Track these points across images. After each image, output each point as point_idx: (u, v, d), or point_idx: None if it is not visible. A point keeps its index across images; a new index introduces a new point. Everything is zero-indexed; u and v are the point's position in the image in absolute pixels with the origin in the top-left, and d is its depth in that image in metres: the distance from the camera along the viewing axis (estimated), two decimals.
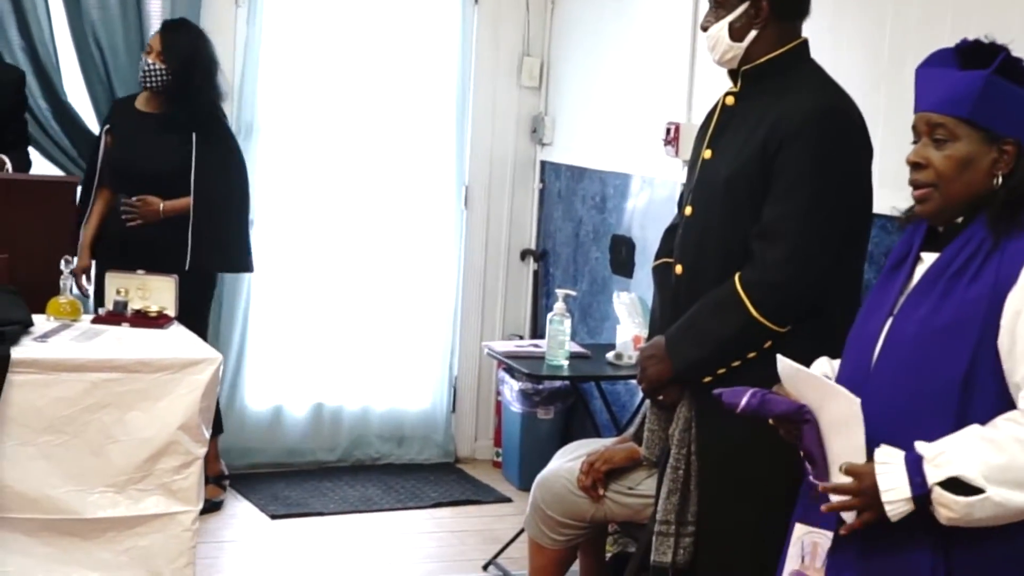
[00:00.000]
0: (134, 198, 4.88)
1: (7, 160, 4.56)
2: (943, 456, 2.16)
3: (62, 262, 3.86)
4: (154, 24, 5.31)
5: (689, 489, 3.14)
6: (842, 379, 2.40)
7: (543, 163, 6.10)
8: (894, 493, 2.18)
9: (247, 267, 5.25)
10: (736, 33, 3.08)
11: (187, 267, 4.79)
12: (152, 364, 3.53)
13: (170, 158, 4.91)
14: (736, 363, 3.02)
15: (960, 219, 2.32)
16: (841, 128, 3.02)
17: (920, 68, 2.38)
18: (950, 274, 2.28)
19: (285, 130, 5.74)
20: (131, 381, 3.48)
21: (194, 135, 4.92)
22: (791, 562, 2.49)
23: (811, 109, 3.00)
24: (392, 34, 5.85)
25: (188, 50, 4.92)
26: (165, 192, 4.89)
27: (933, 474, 2.15)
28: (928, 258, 2.35)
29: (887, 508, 2.19)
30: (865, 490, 2.21)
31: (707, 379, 3.03)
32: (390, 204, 5.93)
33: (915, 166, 2.33)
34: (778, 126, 2.99)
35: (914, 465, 2.17)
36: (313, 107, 5.78)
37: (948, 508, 2.15)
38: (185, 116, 4.92)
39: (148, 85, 4.92)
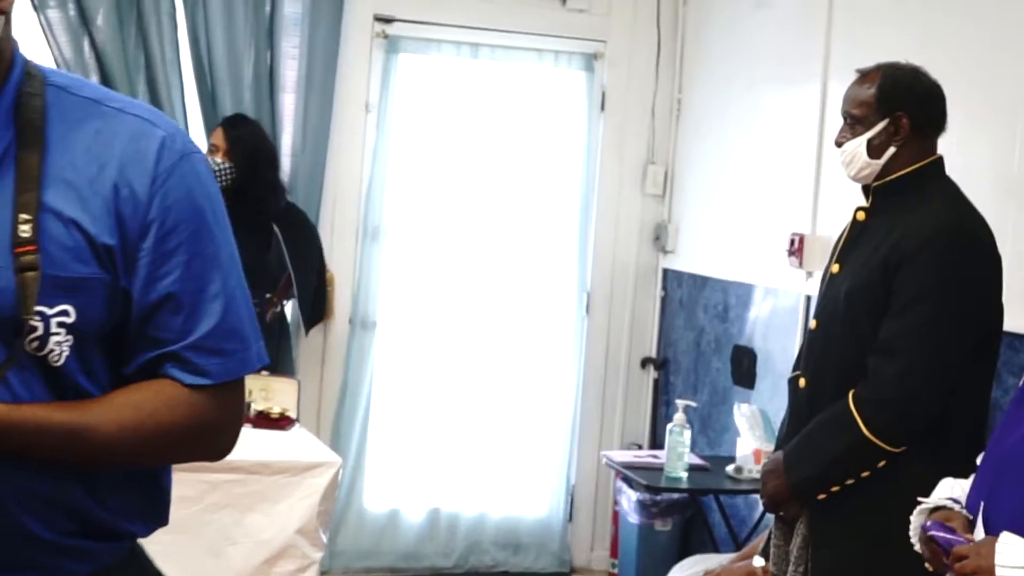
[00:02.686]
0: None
1: None
2: None
3: None
4: (286, 123, 5.45)
5: None
6: (976, 501, 2.34)
7: (665, 271, 6.08)
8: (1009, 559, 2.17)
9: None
10: (874, 150, 3.07)
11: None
12: (272, 466, 3.56)
13: (252, 251, 4.92)
14: (850, 481, 2.97)
15: None
16: (965, 246, 2.98)
17: None
18: None
19: (410, 233, 5.82)
20: (251, 482, 3.52)
21: (276, 227, 4.97)
22: None
23: (936, 226, 2.96)
24: (518, 139, 5.92)
25: (253, 144, 4.97)
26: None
27: None
28: None
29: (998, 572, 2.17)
30: (982, 553, 2.20)
31: (821, 496, 2.98)
32: (512, 309, 5.95)
33: None
34: (901, 242, 2.96)
35: None
36: (438, 211, 5.86)
37: None
38: (261, 210, 4.95)
39: (219, 183, 4.95)
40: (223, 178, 4.89)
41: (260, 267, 4.92)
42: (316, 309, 5.30)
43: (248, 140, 4.98)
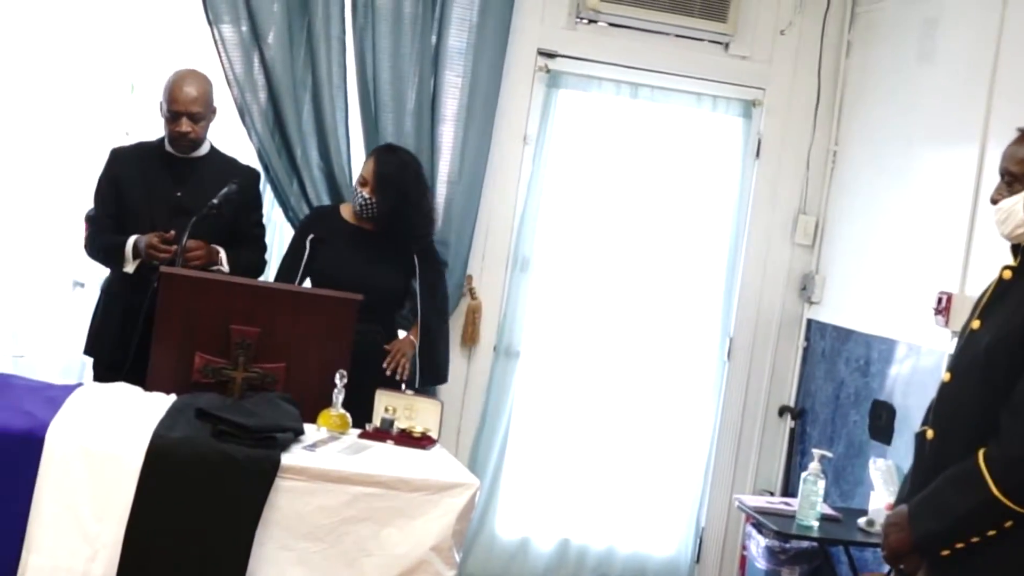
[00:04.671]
0: (388, 358, 4.93)
1: (222, 251, 4.79)
2: None
3: (336, 375, 4.05)
4: (445, 152, 5.59)
5: None
6: None
7: (809, 321, 6.06)
8: None
9: (445, 379, 5.35)
10: None
11: (416, 384, 4.95)
12: (412, 483, 3.64)
13: (391, 276, 5.00)
14: (975, 539, 2.95)
15: None
16: None
17: None
18: None
19: (559, 266, 5.91)
20: (391, 498, 3.61)
21: (416, 258, 5.02)
22: None
23: None
24: (671, 180, 5.98)
25: (400, 181, 4.98)
26: (379, 308, 4.92)
27: None
28: None
29: None
30: None
31: (945, 552, 2.97)
32: (654, 346, 6.00)
33: None
34: None
35: None
36: (588, 245, 5.93)
37: None
38: (403, 242, 5.01)
39: (365, 216, 5.01)
40: (368, 212, 4.98)
41: (403, 296, 5.04)
42: (433, 361, 5.22)
43: (394, 177, 4.98)
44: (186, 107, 4.74)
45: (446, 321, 5.35)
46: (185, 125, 4.75)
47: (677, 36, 5.89)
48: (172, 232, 4.64)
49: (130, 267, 4.71)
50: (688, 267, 6.02)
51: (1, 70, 5.51)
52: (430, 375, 5.15)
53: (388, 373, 4.90)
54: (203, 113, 4.79)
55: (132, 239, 4.70)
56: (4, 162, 5.56)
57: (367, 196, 4.95)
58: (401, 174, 4.99)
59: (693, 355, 6.04)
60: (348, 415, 4.11)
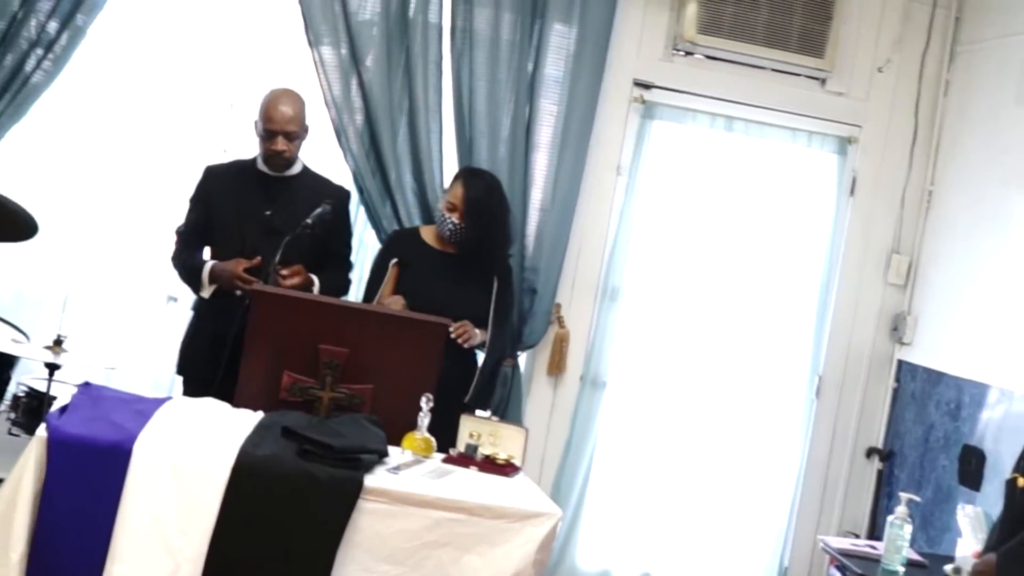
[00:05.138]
0: (455, 324, 4.81)
1: (316, 280, 4.83)
2: None
3: (422, 399, 4.05)
4: (538, 179, 5.59)
5: None
6: None
7: (900, 362, 5.96)
8: None
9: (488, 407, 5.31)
10: None
11: (467, 400, 4.92)
12: (494, 510, 3.63)
13: (474, 300, 4.99)
14: None
15: None
16: None
17: None
18: None
19: (648, 297, 5.88)
20: (472, 524, 3.59)
21: (495, 280, 5.02)
22: None
23: None
24: (764, 215, 5.94)
25: (488, 206, 4.98)
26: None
27: None
28: None
29: None
30: None
31: None
32: (741, 381, 5.94)
33: None
34: None
35: None
36: (678, 277, 5.91)
37: None
38: (486, 263, 5.02)
39: (454, 240, 4.99)
40: (457, 237, 4.98)
41: (486, 319, 5.04)
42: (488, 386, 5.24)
43: (483, 202, 4.98)
44: (281, 126, 4.79)
45: (506, 353, 5.37)
46: (280, 144, 4.80)
47: (774, 70, 5.85)
48: (259, 259, 4.68)
49: (206, 292, 4.77)
50: (778, 303, 5.96)
51: (105, 86, 5.62)
52: (478, 398, 5.14)
53: (453, 336, 4.79)
54: (297, 132, 4.84)
55: (208, 265, 4.76)
56: (106, 177, 5.66)
57: (456, 222, 4.95)
58: (489, 198, 5.00)
59: (781, 391, 5.97)
60: (433, 439, 4.10)
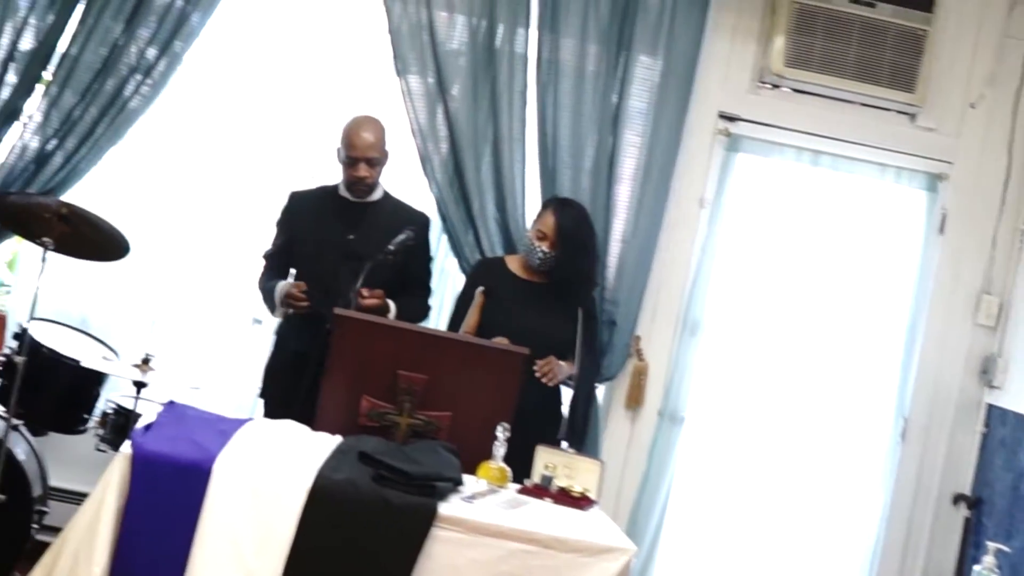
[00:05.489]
0: (539, 361, 4.81)
1: (393, 307, 4.85)
2: None
3: (499, 428, 4.05)
4: (620, 210, 5.57)
5: None
6: None
7: (989, 406, 5.84)
8: None
9: (581, 444, 5.26)
10: None
11: (562, 437, 4.89)
12: (568, 543, 3.61)
13: (560, 329, 4.98)
14: None
15: None
16: None
17: None
18: None
19: (729, 331, 5.83)
20: (545, 556, 3.58)
21: (580, 311, 5.00)
22: None
23: None
24: (850, 251, 5.86)
25: (580, 235, 5.00)
26: (551, 353, 4.89)
27: None
28: None
29: None
30: None
31: None
32: (823, 421, 5.86)
33: None
34: None
35: None
36: (760, 312, 5.85)
37: None
38: (572, 293, 5.01)
39: (543, 269, 5.01)
40: (547, 265, 5.00)
41: (570, 349, 5.03)
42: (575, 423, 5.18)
43: (575, 232, 4.99)
44: (363, 152, 4.87)
45: (595, 385, 5.35)
46: (363, 170, 4.87)
47: (862, 105, 5.79)
48: (304, 284, 4.76)
49: (278, 313, 4.83)
50: (863, 342, 5.87)
51: (198, 110, 5.72)
52: (573, 434, 5.12)
53: (538, 375, 4.81)
54: (379, 158, 4.92)
55: (280, 285, 4.83)
56: (196, 200, 5.76)
57: (546, 250, 4.96)
58: (579, 228, 5.02)
59: (865, 433, 5.88)
60: (508, 469, 4.10)
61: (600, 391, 5.61)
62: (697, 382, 5.75)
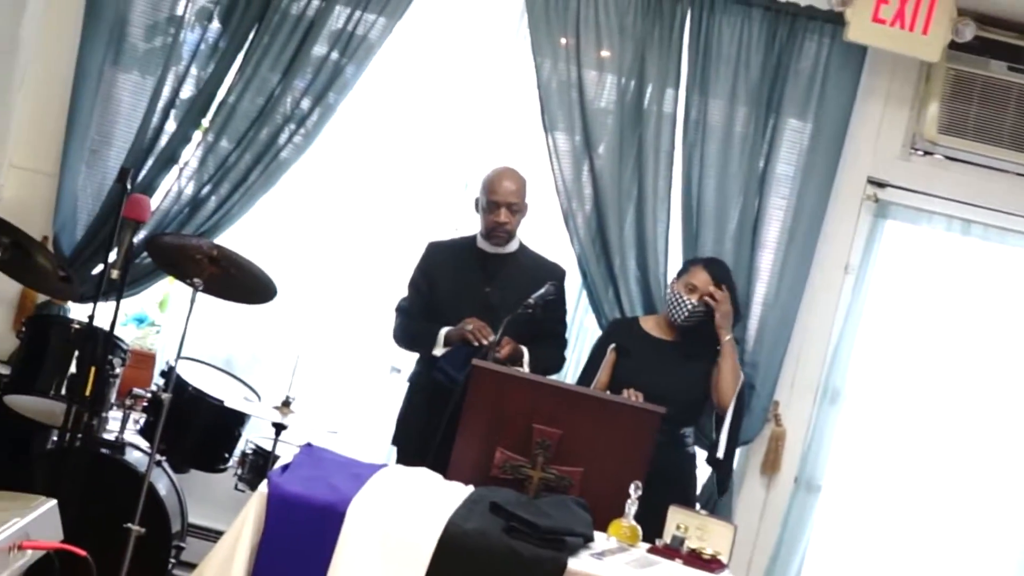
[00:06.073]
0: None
1: (526, 352, 4.86)
2: None
3: (631, 486, 4.03)
4: (763, 274, 5.54)
5: None
6: None
7: None
8: None
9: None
10: None
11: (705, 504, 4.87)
12: None
13: (693, 383, 5.00)
14: None
15: None
16: None
17: None
18: None
19: (871, 401, 5.71)
20: None
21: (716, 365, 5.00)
22: None
23: None
24: (999, 323, 5.71)
25: (732, 286, 5.06)
26: (679, 419, 4.91)
27: None
28: None
29: None
30: None
31: None
32: (968, 495, 5.70)
33: None
34: None
35: None
36: (904, 381, 5.72)
37: None
38: (712, 341, 5.01)
39: (688, 321, 5.01)
40: (693, 318, 5.00)
41: (703, 408, 5.00)
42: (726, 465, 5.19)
43: (726, 278, 5.06)
44: (504, 198, 4.93)
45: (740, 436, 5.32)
46: (503, 215, 4.93)
47: (1016, 174, 5.66)
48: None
49: (439, 349, 4.88)
50: (1010, 416, 5.71)
51: (347, 160, 5.85)
52: (722, 473, 5.14)
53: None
54: (519, 206, 4.98)
55: (445, 330, 4.88)
56: (342, 247, 5.88)
57: (695, 303, 4.97)
58: (730, 280, 5.08)
59: (1010, 511, 5.69)
60: (639, 527, 4.07)
61: (736, 455, 5.54)
62: (836, 450, 5.63)
